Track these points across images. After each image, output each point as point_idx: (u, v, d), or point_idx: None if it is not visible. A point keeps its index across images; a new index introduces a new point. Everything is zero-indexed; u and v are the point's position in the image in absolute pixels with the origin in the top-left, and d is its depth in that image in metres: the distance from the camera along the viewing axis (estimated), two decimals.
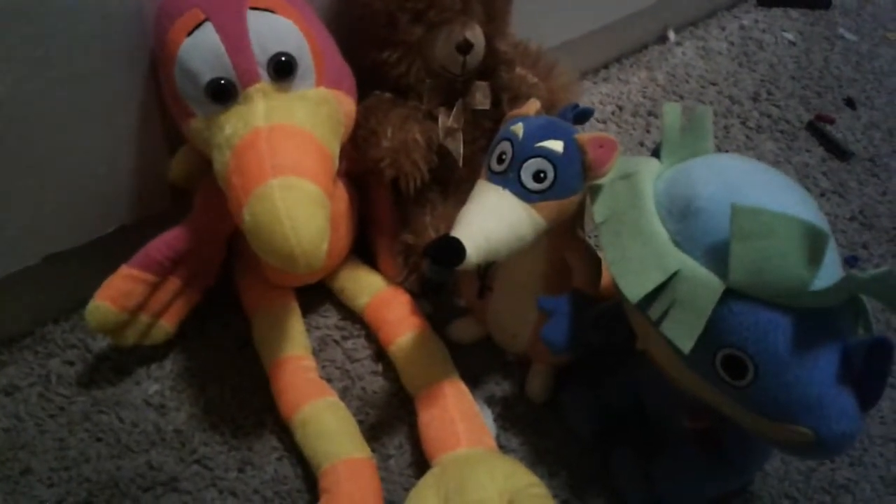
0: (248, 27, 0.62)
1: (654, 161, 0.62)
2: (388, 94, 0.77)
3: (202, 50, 0.62)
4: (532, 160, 0.61)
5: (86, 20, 0.62)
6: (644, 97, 1.16)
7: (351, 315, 0.81)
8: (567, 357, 0.73)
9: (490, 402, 0.75)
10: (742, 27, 1.33)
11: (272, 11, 0.63)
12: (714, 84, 1.20)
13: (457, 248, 0.57)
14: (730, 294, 0.51)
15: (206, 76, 0.62)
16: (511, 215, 0.61)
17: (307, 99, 0.64)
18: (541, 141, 0.62)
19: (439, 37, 0.73)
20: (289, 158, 0.60)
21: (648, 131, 1.08)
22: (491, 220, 0.60)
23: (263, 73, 0.62)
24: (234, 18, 0.62)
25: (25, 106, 0.63)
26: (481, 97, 0.78)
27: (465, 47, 0.73)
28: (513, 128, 0.64)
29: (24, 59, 0.60)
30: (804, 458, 0.70)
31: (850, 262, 0.94)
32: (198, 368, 0.76)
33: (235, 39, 0.62)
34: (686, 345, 0.52)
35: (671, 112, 0.63)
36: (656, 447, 0.67)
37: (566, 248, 0.67)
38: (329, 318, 0.81)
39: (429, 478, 0.64)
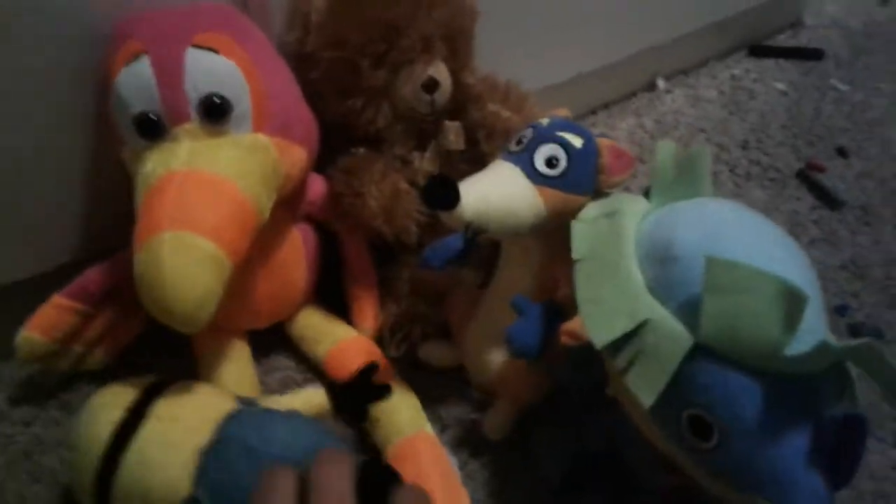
0: (184, 65, 0.60)
1: (641, 201, 0.60)
2: (362, 150, 0.75)
3: (135, 82, 0.60)
4: (549, 145, 0.63)
5: (38, 47, 0.61)
6: (632, 143, 1.14)
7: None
8: (532, 397, 0.70)
9: (456, 448, 0.71)
10: (733, 77, 1.32)
11: (215, 51, 0.61)
12: (703, 131, 1.18)
13: (453, 191, 0.57)
14: (700, 351, 0.47)
15: (136, 108, 0.60)
16: (514, 188, 0.61)
17: (238, 145, 0.62)
18: (562, 131, 0.63)
19: (403, 78, 0.71)
20: (192, 211, 0.57)
21: (635, 176, 1.06)
22: (493, 185, 0.61)
23: (194, 112, 0.60)
24: (172, 54, 0.60)
25: None
26: (454, 137, 0.76)
27: (431, 85, 0.72)
28: (540, 119, 0.65)
29: None
30: None
31: (840, 311, 0.91)
32: None
33: (169, 76, 0.60)
34: (647, 399, 0.49)
35: (665, 150, 0.61)
36: (628, 498, 0.63)
37: (559, 259, 0.64)
38: (290, 360, 0.78)
39: None
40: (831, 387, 0.48)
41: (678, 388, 0.48)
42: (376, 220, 0.71)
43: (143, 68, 0.60)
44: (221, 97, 0.61)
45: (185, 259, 0.55)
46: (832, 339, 0.46)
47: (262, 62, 0.65)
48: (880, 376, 0.45)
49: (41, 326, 0.68)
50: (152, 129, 0.60)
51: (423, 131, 0.77)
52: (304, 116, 0.69)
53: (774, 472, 0.46)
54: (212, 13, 0.65)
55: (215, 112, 0.61)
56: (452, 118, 0.77)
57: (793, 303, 0.44)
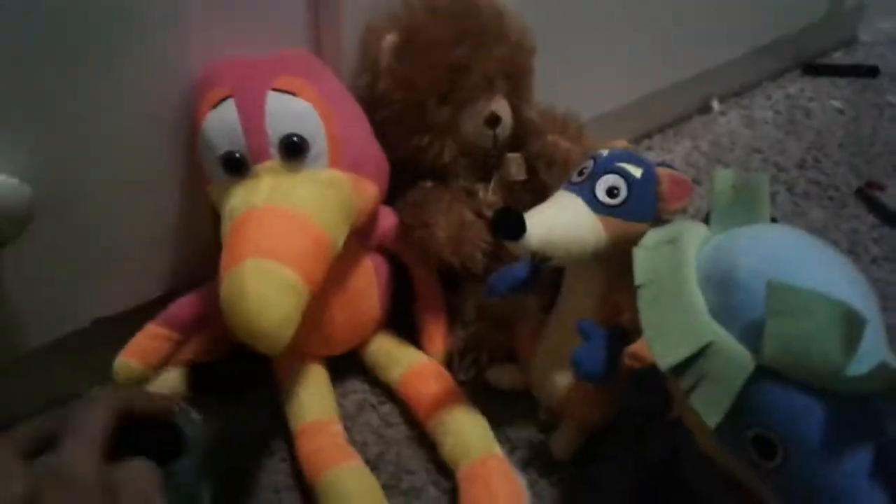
0: (265, 108, 0.65)
1: (702, 227, 0.62)
2: (429, 184, 0.79)
3: (221, 124, 0.65)
4: (609, 176, 0.66)
5: (131, 93, 0.66)
6: (688, 164, 1.16)
7: None
8: (598, 419, 0.72)
9: (524, 468, 0.74)
10: (788, 96, 1.33)
11: (293, 94, 0.66)
12: (759, 152, 1.19)
13: (519, 222, 0.60)
14: (763, 373, 0.49)
15: (222, 149, 0.65)
16: (577, 218, 0.64)
17: (315, 180, 0.66)
18: (622, 161, 0.66)
19: (467, 114, 0.76)
20: (271, 242, 0.60)
21: (691, 199, 1.08)
22: (557, 215, 0.64)
23: (275, 151, 0.65)
24: (254, 98, 0.65)
25: (73, 170, 0.66)
26: (516, 169, 0.80)
27: (494, 121, 0.75)
28: (600, 150, 0.68)
29: (73, 127, 0.64)
30: None
31: None
32: (228, 434, 0.77)
33: (252, 118, 0.64)
34: (713, 420, 0.51)
35: (723, 178, 0.62)
36: None
37: (622, 285, 0.67)
38: (365, 384, 0.82)
39: None
40: (892, 405, 0.49)
41: (742, 408, 0.49)
42: (444, 250, 0.75)
43: (229, 111, 0.65)
44: (299, 137, 0.65)
45: (266, 284, 0.59)
46: (892, 360, 0.47)
47: (336, 103, 0.69)
48: None
49: (137, 353, 0.73)
50: (237, 167, 0.65)
51: (487, 164, 0.80)
52: (374, 154, 0.73)
53: (837, 490, 0.47)
54: (290, 59, 0.70)
55: (294, 150, 0.65)
56: (513, 150, 0.80)
57: (852, 325, 0.45)
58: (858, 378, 0.46)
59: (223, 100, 0.65)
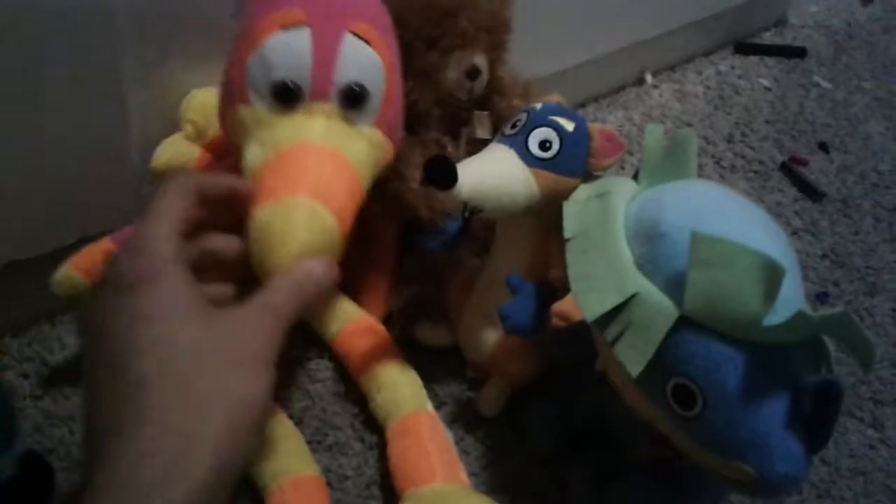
0: (340, 48, 0.63)
1: (630, 183, 0.62)
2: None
3: (290, 49, 0.62)
4: (542, 129, 0.65)
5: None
6: (621, 135, 1.16)
7: (315, 335, 0.80)
8: (525, 376, 0.73)
9: (451, 425, 0.74)
10: (719, 72, 1.35)
11: (368, 43, 0.64)
12: (689, 125, 1.21)
13: (451, 171, 0.60)
14: (685, 323, 0.50)
15: (279, 74, 0.62)
16: (509, 170, 0.64)
17: (364, 137, 0.65)
18: (555, 115, 0.66)
19: (450, 63, 0.75)
20: (326, 184, 0.59)
21: (623, 167, 1.09)
22: (489, 166, 0.64)
23: (334, 95, 0.63)
24: (332, 34, 0.63)
25: None
26: (483, 127, 0.79)
27: (474, 73, 0.75)
28: (534, 104, 0.68)
29: None
30: (749, 496, 0.68)
31: (821, 298, 0.94)
32: None
33: (325, 54, 0.62)
34: (635, 369, 0.51)
35: (653, 134, 0.63)
36: (616, 471, 0.66)
37: (552, 241, 0.67)
38: (293, 337, 0.80)
39: None
40: (808, 357, 0.51)
41: (664, 358, 0.50)
42: (419, 204, 0.74)
43: (302, 40, 0.62)
44: (362, 87, 0.63)
45: (313, 228, 0.57)
46: (808, 311, 0.49)
47: (395, 63, 0.68)
48: (853, 344, 0.47)
49: (83, 266, 0.69)
50: (288, 97, 0.62)
51: (456, 118, 0.80)
52: (401, 122, 0.72)
53: (754, 437, 0.49)
54: (369, 4, 0.68)
55: (354, 99, 0.63)
56: (480, 108, 0.80)
57: (771, 275, 0.46)
58: (776, 327, 0.47)
59: (298, 25, 0.62)
